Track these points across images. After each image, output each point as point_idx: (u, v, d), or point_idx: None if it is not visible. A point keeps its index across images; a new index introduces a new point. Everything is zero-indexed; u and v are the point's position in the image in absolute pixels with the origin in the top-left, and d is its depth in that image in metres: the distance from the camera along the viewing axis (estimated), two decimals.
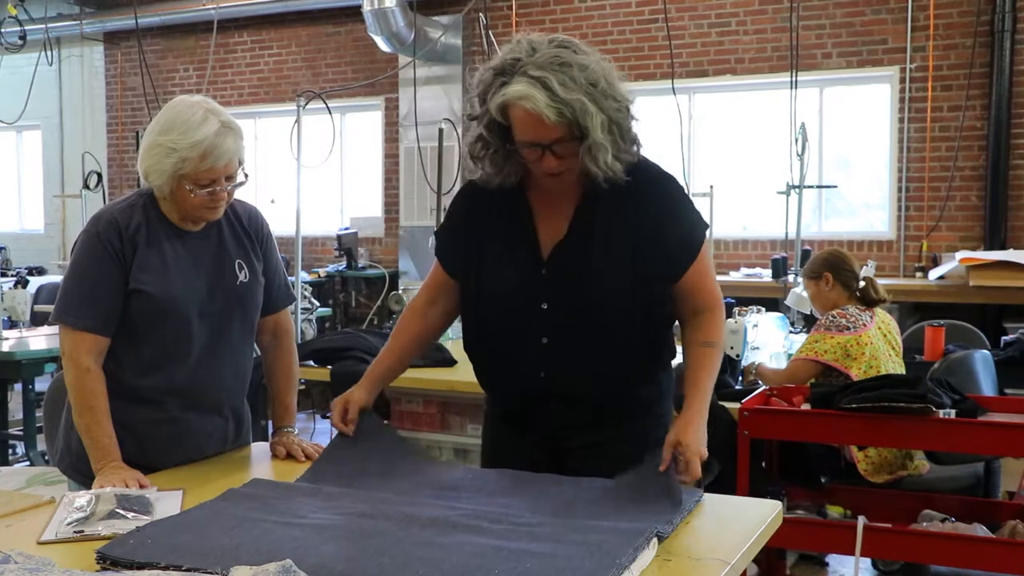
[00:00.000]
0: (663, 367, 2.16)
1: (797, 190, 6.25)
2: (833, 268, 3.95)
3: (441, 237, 2.23)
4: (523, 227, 2.07)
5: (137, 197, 2.24)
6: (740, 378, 3.90)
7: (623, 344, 2.03)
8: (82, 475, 2.20)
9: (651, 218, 2.01)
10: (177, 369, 2.20)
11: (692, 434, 1.89)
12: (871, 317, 3.84)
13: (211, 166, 2.11)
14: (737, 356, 3.87)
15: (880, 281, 4.04)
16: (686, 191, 2.10)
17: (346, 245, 8.81)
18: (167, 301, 2.16)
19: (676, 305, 2.07)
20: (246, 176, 2.22)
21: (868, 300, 3.91)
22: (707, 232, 2.10)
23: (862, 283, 3.93)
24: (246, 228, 2.34)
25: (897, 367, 3.85)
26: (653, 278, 2.02)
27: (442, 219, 2.30)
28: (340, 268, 8.93)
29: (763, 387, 3.62)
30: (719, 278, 6.90)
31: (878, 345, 3.77)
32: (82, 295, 2.16)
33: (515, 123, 1.90)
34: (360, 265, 8.99)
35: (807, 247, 6.49)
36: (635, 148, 1.99)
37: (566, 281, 2.02)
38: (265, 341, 2.46)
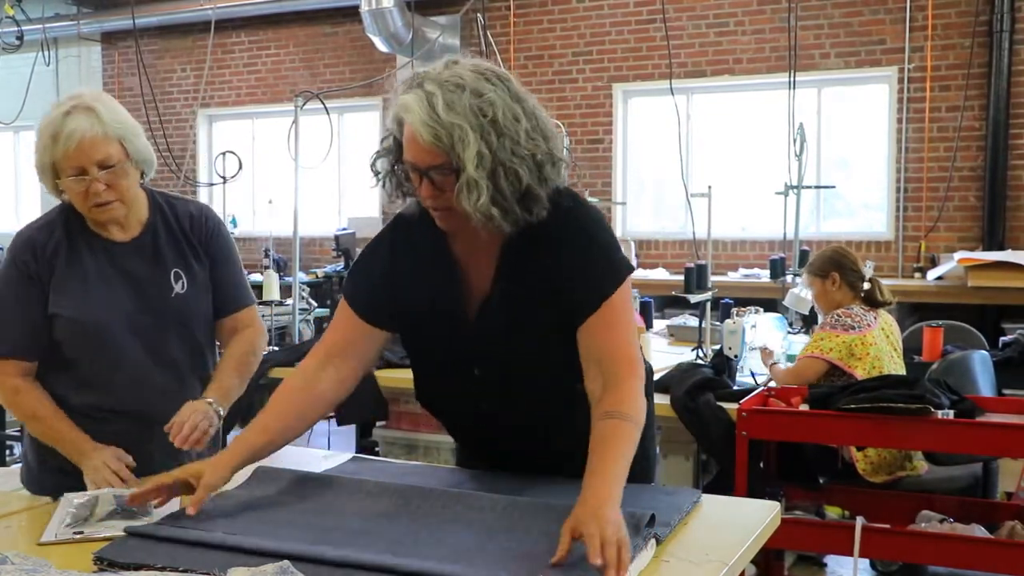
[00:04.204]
0: None
1: (795, 190, 6.25)
2: (840, 268, 3.95)
3: (357, 278, 1.94)
4: (448, 284, 1.85)
5: (59, 212, 2.11)
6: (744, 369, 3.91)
7: (568, 398, 1.82)
8: (40, 487, 2.10)
9: (565, 259, 1.77)
10: (113, 388, 2.09)
11: (599, 518, 1.45)
12: (875, 318, 3.85)
13: (65, 149, 1.96)
14: (735, 357, 3.87)
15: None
16: (611, 235, 1.84)
17: (344, 245, 8.79)
18: (87, 324, 2.04)
19: (585, 374, 1.75)
20: (140, 169, 2.06)
21: (873, 302, 3.91)
22: (625, 284, 1.78)
23: (867, 285, 3.93)
24: (187, 231, 2.17)
25: (899, 369, 3.85)
26: (569, 324, 1.77)
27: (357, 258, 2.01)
28: (338, 268, 8.91)
29: (761, 387, 3.63)
30: (717, 278, 6.82)
31: (881, 346, 3.78)
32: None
33: (404, 140, 1.73)
34: None
35: (805, 248, 6.48)
36: (534, 207, 1.72)
37: (494, 345, 1.82)
38: (226, 343, 2.25)
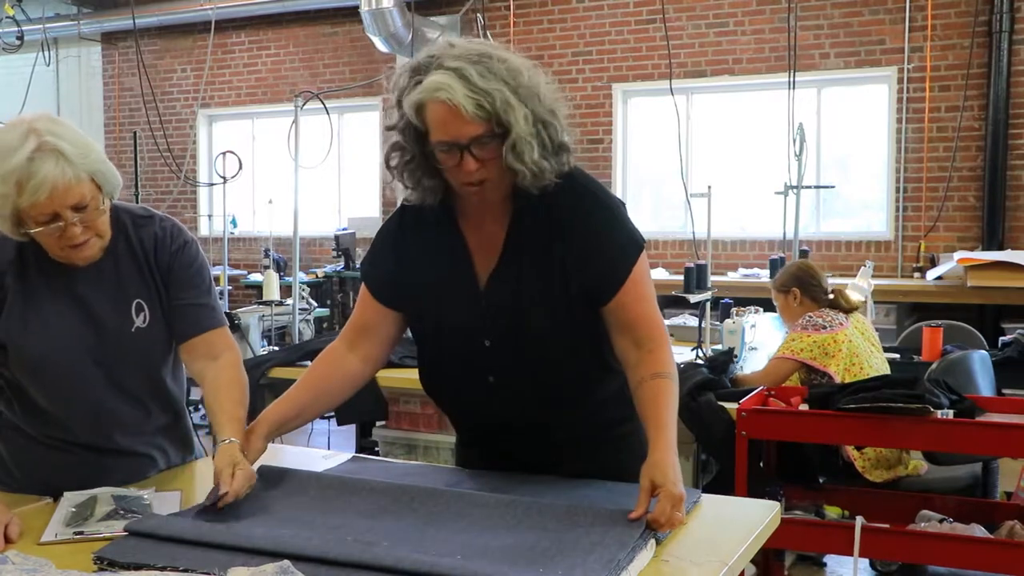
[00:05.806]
0: (621, 386, 1.91)
1: (795, 190, 6.25)
2: (801, 284, 3.99)
3: (371, 264, 2.00)
4: (457, 256, 1.89)
5: None
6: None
7: (573, 373, 1.88)
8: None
9: (580, 233, 1.83)
10: (70, 421, 1.97)
11: (671, 475, 1.64)
12: (847, 318, 3.87)
13: (34, 200, 1.75)
14: (735, 356, 3.87)
15: (878, 281, 4.06)
16: (622, 206, 1.92)
17: (344, 245, 8.81)
18: (42, 357, 1.91)
19: (615, 341, 1.85)
20: (109, 200, 1.89)
21: (839, 310, 3.93)
22: (643, 253, 1.87)
23: (831, 295, 3.95)
24: (149, 254, 2.00)
25: (882, 364, 3.88)
26: (587, 299, 1.84)
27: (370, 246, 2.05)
28: (338, 268, 8.92)
29: (760, 387, 3.63)
30: (717, 278, 6.82)
31: (857, 343, 3.79)
32: None
33: (431, 123, 1.72)
34: (358, 265, 8.98)
35: (805, 247, 6.49)
36: (565, 157, 1.82)
37: (505, 313, 1.85)
38: (199, 367, 2.02)
